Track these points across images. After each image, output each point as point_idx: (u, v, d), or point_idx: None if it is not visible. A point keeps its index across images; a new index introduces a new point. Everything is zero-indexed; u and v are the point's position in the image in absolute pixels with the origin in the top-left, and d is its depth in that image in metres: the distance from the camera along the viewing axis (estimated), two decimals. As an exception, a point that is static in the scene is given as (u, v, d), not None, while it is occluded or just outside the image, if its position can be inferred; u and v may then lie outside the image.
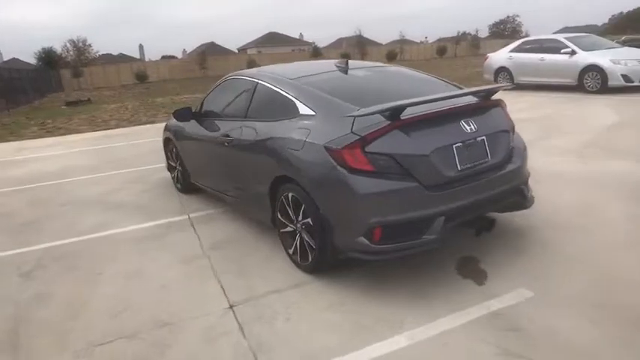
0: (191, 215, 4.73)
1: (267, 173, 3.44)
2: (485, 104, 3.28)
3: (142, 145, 9.14)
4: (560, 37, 11.59)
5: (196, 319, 2.85)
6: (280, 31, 78.11)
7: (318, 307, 2.87)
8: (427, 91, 3.47)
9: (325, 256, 3.08)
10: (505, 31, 74.69)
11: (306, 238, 3.16)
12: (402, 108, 2.81)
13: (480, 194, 2.98)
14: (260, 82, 3.83)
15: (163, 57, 65.76)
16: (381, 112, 2.80)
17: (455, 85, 3.76)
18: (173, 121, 5.56)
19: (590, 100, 9.93)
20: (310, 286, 3.12)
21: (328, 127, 3.01)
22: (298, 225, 3.24)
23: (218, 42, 79.92)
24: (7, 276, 3.69)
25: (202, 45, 73.64)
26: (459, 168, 2.93)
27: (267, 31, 76.85)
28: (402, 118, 2.83)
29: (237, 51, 73.79)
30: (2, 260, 4.00)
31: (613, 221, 3.76)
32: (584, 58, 10.61)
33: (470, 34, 63.30)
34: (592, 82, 10.35)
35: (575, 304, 2.66)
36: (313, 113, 3.17)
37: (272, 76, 3.79)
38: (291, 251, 3.38)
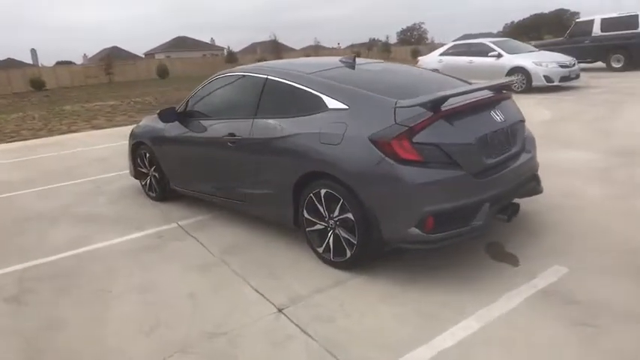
0: (180, 223, 4.42)
1: (291, 171, 3.33)
2: (503, 97, 3.46)
3: (77, 155, 8.36)
4: (486, 41, 12.54)
5: (249, 326, 2.68)
6: (190, 35, 75.78)
7: (370, 302, 2.83)
8: (442, 83, 3.59)
9: (367, 251, 3.05)
10: (412, 37, 79.21)
11: (343, 234, 3.11)
12: (445, 99, 2.88)
13: (511, 181, 3.14)
14: (270, 77, 3.69)
15: (59, 62, 60.49)
16: (429, 102, 2.84)
17: (462, 80, 3.91)
18: (146, 124, 5.20)
19: (519, 99, 10.81)
20: (351, 282, 3.07)
21: (367, 120, 2.98)
22: (331, 222, 3.18)
23: (122, 46, 75.53)
24: (-11, 303, 3.19)
25: (105, 49, 69.03)
26: (494, 156, 3.06)
27: (175, 35, 74.21)
28: (442, 109, 2.90)
29: (143, 55, 70.21)
30: (-27, 287, 3.45)
31: (598, 199, 4.16)
32: (510, 60, 11.60)
33: (380, 41, 66.14)
34: (518, 82, 11.33)
35: (610, 272, 2.91)
36: (345, 107, 3.13)
37: (284, 71, 3.67)
38: (321, 249, 3.30)
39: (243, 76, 4.04)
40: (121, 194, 5.61)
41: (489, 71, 11.40)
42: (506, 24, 76.09)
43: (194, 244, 3.91)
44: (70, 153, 8.66)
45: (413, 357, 2.31)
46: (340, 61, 3.97)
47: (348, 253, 3.11)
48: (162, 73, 41.30)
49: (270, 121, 3.55)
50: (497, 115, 3.17)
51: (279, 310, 2.81)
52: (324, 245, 3.27)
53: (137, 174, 5.39)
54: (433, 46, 69.32)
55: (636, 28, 13.76)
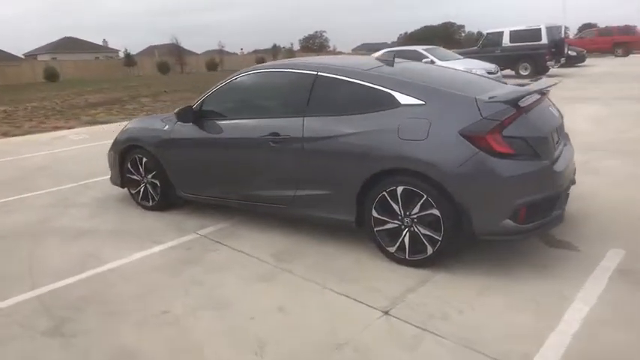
0: (201, 233, 4.05)
1: (360, 169, 3.22)
2: (548, 95, 3.68)
3: (18, 163, 7.29)
4: (419, 48, 13.27)
5: (364, 332, 2.54)
6: (79, 36, 69.61)
7: (472, 296, 2.83)
8: (484, 82, 3.73)
9: (452, 246, 3.06)
10: (314, 45, 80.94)
11: (423, 231, 3.08)
12: (526, 95, 2.99)
13: (570, 171, 3.36)
14: (321, 74, 3.53)
15: None
16: (515, 98, 2.93)
17: (497, 80, 4.09)
18: (142, 126, 4.72)
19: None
20: (436, 279, 3.05)
21: (451, 115, 3.00)
22: (407, 220, 3.14)
23: (-3, 46, 67.09)
24: (26, 339, 2.65)
25: (-25, 49, 60.74)
26: (557, 148, 3.25)
27: (62, 36, 67.79)
28: (520, 104, 3.01)
29: (23, 56, 63.08)
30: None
31: (604, 183, 4.59)
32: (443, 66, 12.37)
33: (284, 47, 66.64)
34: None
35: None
36: (422, 102, 3.11)
37: (338, 67, 3.54)
38: (393, 249, 3.23)
39: (281, 72, 3.83)
40: (100, 205, 4.98)
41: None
42: (400, 34, 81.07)
43: (237, 254, 3.61)
44: (5, 162, 7.50)
45: (552, 344, 2.36)
46: (380, 59, 3.94)
47: (430, 250, 3.09)
48: (51, 76, 37.41)
49: (328, 118, 3.40)
50: (555, 111, 3.38)
51: (385, 313, 2.70)
52: (397, 244, 3.21)
53: (125, 182, 4.83)
54: (336, 54, 71.72)
55: (540, 39, 15.54)
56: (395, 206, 3.16)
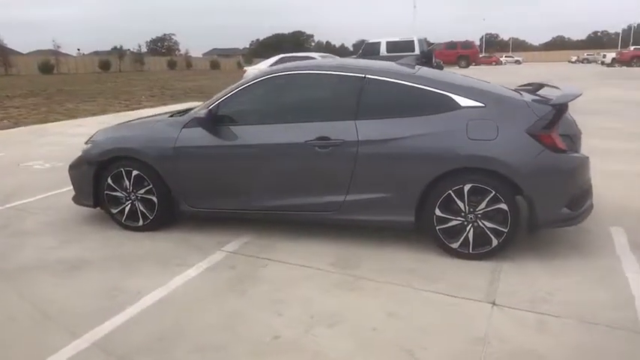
0: (227, 249, 3.68)
1: (426, 170, 3.32)
2: None
3: None
4: (314, 54, 13.63)
5: (491, 324, 2.65)
6: None
7: (548, 278, 3.11)
8: (497, 86, 4.12)
9: (515, 235, 3.33)
10: (162, 48, 76.57)
11: (489, 225, 3.30)
12: (574, 97, 3.37)
13: None
14: (370, 77, 3.51)
15: None
16: (565, 101, 3.30)
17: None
18: (134, 134, 4.13)
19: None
20: (506, 268, 3.26)
21: (513, 116, 3.27)
22: (471, 215, 3.33)
23: None
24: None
25: None
26: None
27: None
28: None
29: None
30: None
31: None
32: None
33: (128, 50, 61.84)
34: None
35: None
36: (482, 105, 3.32)
37: (385, 70, 3.54)
38: (457, 245, 3.39)
39: (319, 74, 3.69)
40: (62, 230, 4.16)
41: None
42: (252, 41, 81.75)
43: (291, 267, 3.38)
44: None
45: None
46: (398, 63, 4.05)
47: (495, 243, 3.32)
48: None
49: (385, 121, 3.41)
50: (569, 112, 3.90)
51: (493, 304, 2.85)
52: (460, 240, 3.37)
53: (100, 201, 4.11)
54: (187, 58, 68.98)
55: (413, 50, 17.24)
56: (460, 203, 3.32)
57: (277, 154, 3.62)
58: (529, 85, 4.31)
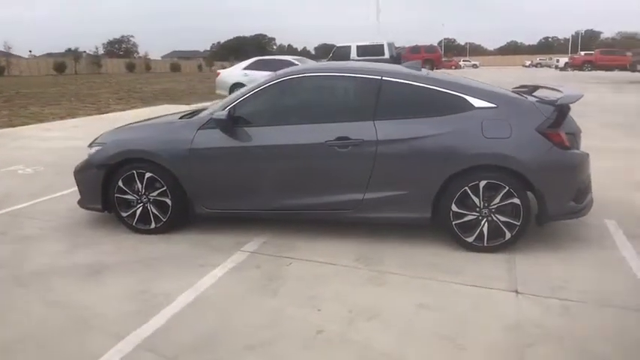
0: (246, 249, 3.71)
1: (444, 167, 3.46)
2: None
3: None
4: (289, 58, 13.69)
5: (521, 311, 2.82)
6: None
7: (561, 267, 3.33)
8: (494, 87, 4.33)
9: (526, 228, 3.53)
10: (120, 50, 74.35)
11: (502, 219, 3.49)
12: (578, 98, 3.59)
13: None
14: (386, 79, 3.63)
15: None
16: (570, 102, 3.53)
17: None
18: (146, 135, 4.10)
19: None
20: (518, 259, 3.45)
21: (522, 116, 3.48)
22: (485, 210, 3.50)
23: None
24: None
25: None
26: None
27: None
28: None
29: None
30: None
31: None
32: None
33: (85, 52, 59.60)
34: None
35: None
36: (494, 105, 3.51)
37: (401, 72, 3.67)
38: (471, 239, 3.55)
39: (336, 76, 3.78)
40: (69, 234, 4.06)
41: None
42: (213, 43, 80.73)
43: (317, 265, 3.45)
44: None
45: (650, 291, 3.02)
46: (405, 66, 4.19)
47: (508, 235, 3.51)
48: None
49: (403, 121, 3.55)
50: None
51: (517, 292, 3.02)
52: (475, 234, 3.55)
53: (109, 204, 4.04)
54: (146, 60, 67.18)
55: (383, 54, 17.59)
56: (475, 199, 3.49)
57: (297, 154, 3.68)
58: (524, 87, 4.56)
